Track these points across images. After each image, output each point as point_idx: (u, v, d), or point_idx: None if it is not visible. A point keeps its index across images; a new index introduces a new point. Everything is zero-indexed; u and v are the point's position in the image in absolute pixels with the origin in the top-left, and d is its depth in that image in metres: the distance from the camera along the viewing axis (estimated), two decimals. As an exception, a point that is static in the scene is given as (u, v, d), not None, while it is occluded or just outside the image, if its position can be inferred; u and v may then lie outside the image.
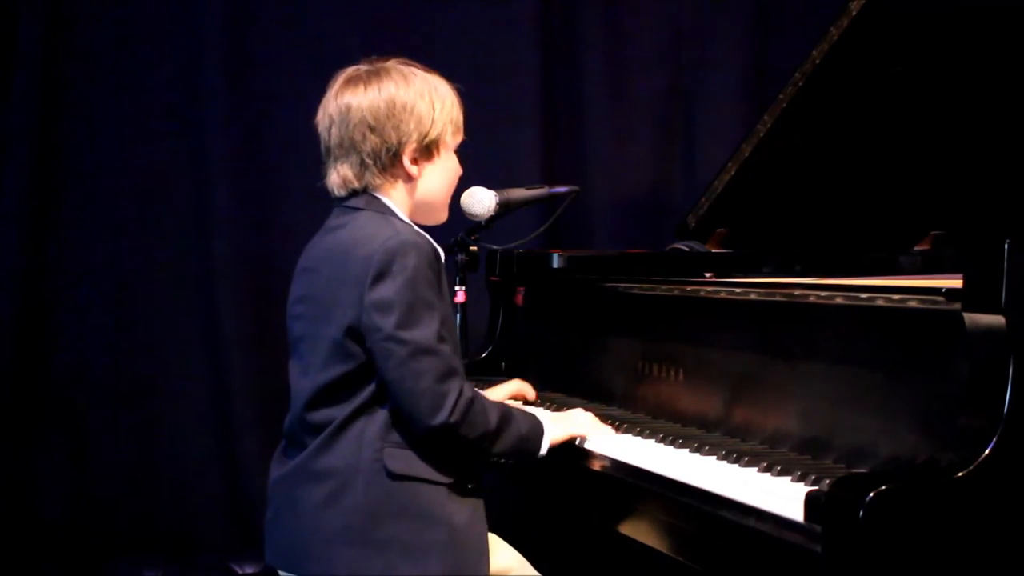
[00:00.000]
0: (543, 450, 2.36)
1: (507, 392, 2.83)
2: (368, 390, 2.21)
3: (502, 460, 2.34)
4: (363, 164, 2.28)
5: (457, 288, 2.92)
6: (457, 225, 2.87)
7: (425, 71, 2.35)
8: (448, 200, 2.42)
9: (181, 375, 3.86)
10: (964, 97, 2.87)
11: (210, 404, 3.88)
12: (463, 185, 2.75)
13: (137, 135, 3.84)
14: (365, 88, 2.28)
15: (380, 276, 2.17)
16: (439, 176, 2.35)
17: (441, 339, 2.19)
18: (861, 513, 1.71)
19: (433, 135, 2.30)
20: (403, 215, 2.32)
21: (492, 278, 3.33)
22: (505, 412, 2.30)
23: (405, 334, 2.16)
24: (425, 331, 2.17)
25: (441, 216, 2.41)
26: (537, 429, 2.35)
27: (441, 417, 2.17)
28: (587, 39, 4.09)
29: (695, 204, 3.16)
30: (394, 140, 2.27)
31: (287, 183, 3.84)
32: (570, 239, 3.99)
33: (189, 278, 3.87)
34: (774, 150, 2.93)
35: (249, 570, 3.53)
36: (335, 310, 2.21)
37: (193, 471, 3.86)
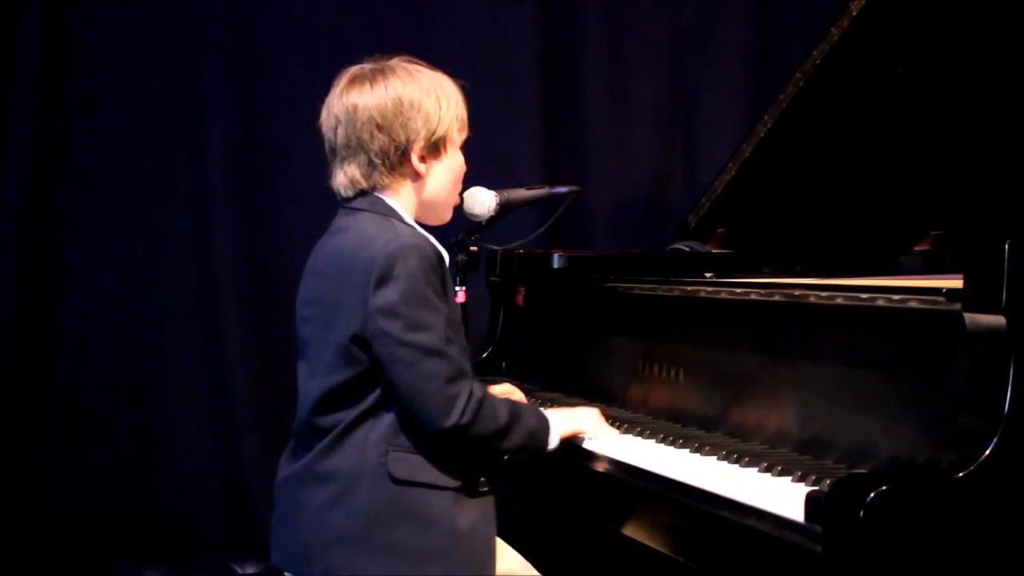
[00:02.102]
0: (552, 444, 2.36)
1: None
2: (374, 394, 2.21)
3: (513, 456, 2.33)
4: (371, 163, 2.27)
5: (457, 288, 2.91)
6: (457, 225, 2.87)
7: (430, 69, 2.33)
8: (454, 199, 2.41)
9: (181, 375, 3.86)
10: (965, 98, 2.87)
11: (211, 404, 3.88)
12: (464, 185, 2.75)
13: (137, 135, 3.84)
14: (371, 87, 2.27)
15: (383, 280, 2.16)
16: (446, 174, 2.34)
17: (448, 341, 2.19)
18: (862, 513, 1.71)
19: (440, 132, 2.29)
20: (407, 216, 2.31)
21: (493, 278, 3.33)
22: (514, 409, 2.30)
23: (412, 337, 2.15)
24: (431, 334, 2.17)
25: (445, 216, 2.41)
26: (544, 423, 2.35)
27: (452, 419, 2.16)
28: (587, 39, 4.09)
29: (696, 204, 3.16)
30: (402, 138, 2.26)
31: (287, 183, 3.84)
32: (570, 239, 3.99)
33: (189, 278, 3.87)
34: (775, 150, 2.93)
35: (249, 570, 3.53)
36: (340, 314, 2.20)
37: (193, 471, 3.86)
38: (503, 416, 2.25)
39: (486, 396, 2.23)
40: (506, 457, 2.32)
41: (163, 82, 3.85)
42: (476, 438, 2.21)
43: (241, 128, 3.87)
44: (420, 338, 2.15)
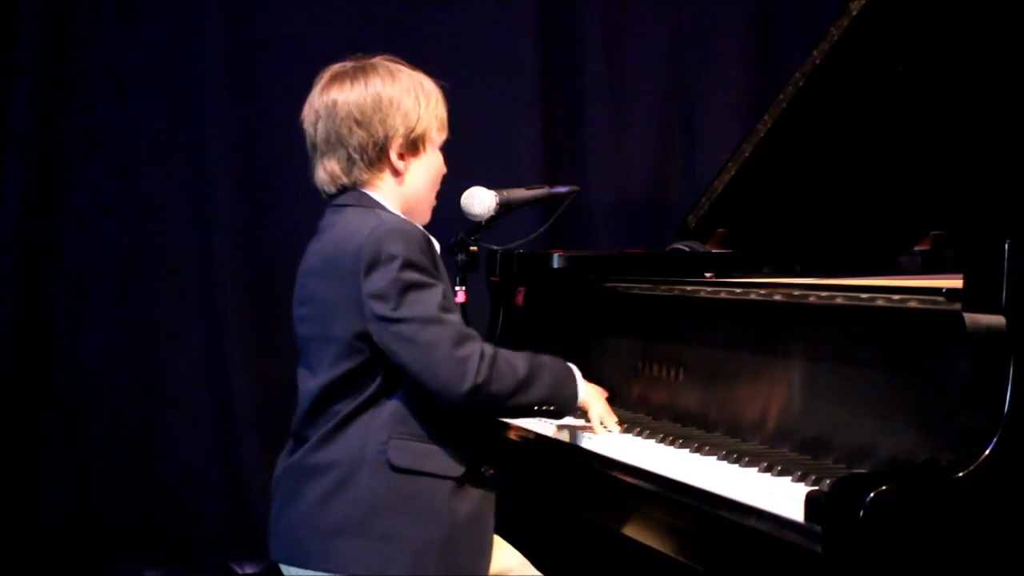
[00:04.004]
0: (581, 392, 2.36)
1: None
2: (374, 384, 2.22)
3: (543, 408, 2.32)
4: (350, 159, 2.29)
5: (457, 288, 2.91)
6: (457, 225, 2.87)
7: (410, 68, 2.36)
8: (432, 198, 2.42)
9: (181, 375, 3.86)
10: (965, 97, 2.87)
11: (210, 404, 3.88)
12: (464, 185, 2.76)
13: (137, 135, 3.85)
14: (352, 84, 2.29)
15: (372, 266, 2.17)
16: (424, 172, 2.36)
17: (446, 309, 2.20)
18: (862, 513, 1.71)
19: (419, 130, 2.31)
20: (392, 208, 2.32)
21: (492, 278, 3.32)
22: (533, 357, 2.30)
23: (407, 312, 2.16)
24: (426, 306, 2.18)
25: (424, 217, 2.41)
26: (569, 370, 2.37)
27: (468, 381, 2.17)
28: (587, 39, 4.09)
29: (696, 204, 3.16)
30: (381, 134, 2.28)
31: (287, 183, 3.84)
32: (570, 239, 3.99)
33: (189, 278, 3.88)
34: (774, 150, 2.93)
35: (249, 570, 3.53)
36: (339, 310, 2.21)
37: (193, 471, 3.86)
38: (522, 367, 2.25)
39: (498, 351, 2.23)
40: (536, 410, 2.31)
41: (163, 82, 3.85)
42: (498, 396, 2.21)
43: (241, 128, 3.87)
44: (415, 311, 2.16)
